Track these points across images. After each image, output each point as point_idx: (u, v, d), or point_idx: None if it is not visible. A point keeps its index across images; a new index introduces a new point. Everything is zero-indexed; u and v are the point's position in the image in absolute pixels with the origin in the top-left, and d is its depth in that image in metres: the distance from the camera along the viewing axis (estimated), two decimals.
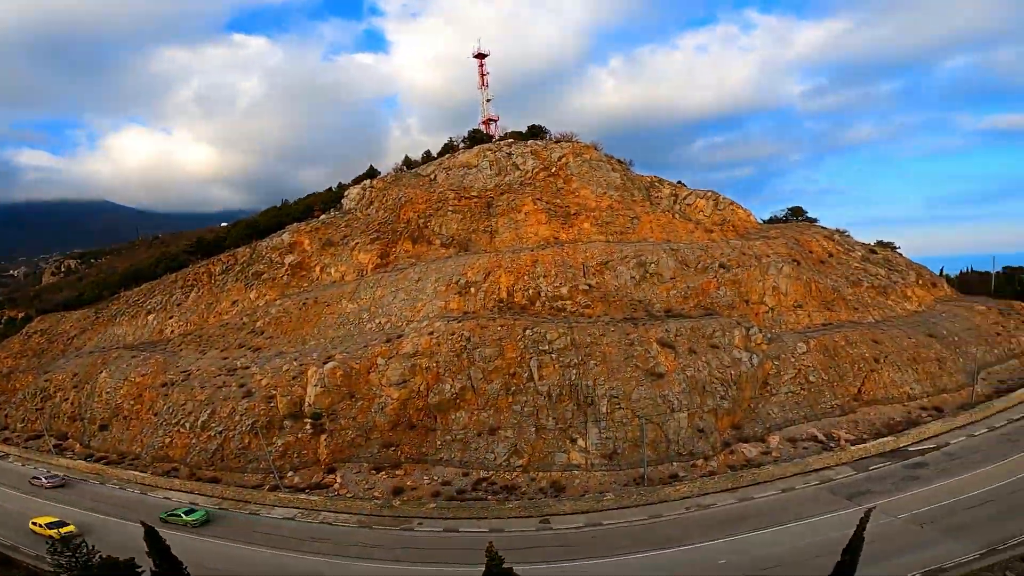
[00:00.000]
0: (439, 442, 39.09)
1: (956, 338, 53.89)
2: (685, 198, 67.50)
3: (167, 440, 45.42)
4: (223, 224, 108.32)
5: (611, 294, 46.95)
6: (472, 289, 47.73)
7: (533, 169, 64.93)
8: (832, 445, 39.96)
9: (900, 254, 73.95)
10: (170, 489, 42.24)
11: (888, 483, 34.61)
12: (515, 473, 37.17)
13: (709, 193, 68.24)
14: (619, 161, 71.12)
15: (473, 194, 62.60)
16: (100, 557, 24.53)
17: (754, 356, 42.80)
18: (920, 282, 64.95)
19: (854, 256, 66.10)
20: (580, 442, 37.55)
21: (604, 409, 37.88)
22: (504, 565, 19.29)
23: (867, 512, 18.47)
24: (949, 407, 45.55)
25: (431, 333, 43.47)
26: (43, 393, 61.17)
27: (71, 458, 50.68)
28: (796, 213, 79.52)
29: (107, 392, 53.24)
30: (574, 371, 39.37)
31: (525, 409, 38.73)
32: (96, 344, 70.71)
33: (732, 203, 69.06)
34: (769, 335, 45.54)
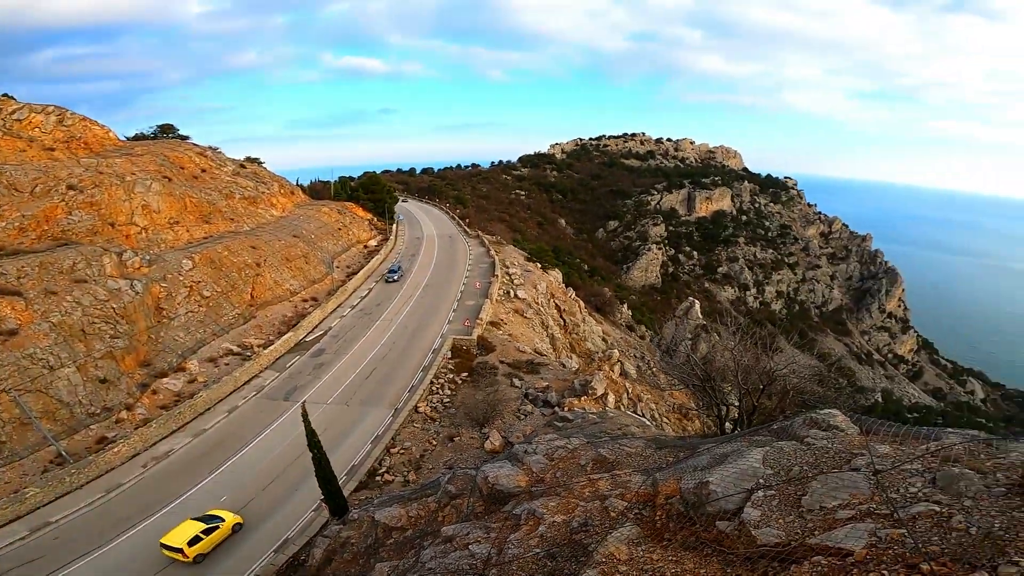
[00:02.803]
0: None
1: (313, 236, 73.60)
2: (13, 113, 55.72)
3: None
4: None
5: None
6: None
7: None
8: (249, 354, 44.66)
9: (265, 168, 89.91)
10: None
11: (305, 376, 41.70)
12: None
13: (51, 108, 59.16)
14: None
15: None
16: None
17: (136, 282, 42.17)
18: (282, 191, 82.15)
19: (226, 171, 74.33)
20: None
21: None
22: None
23: (303, 408, 23.54)
24: (321, 295, 60.87)
25: None
26: None
27: None
28: (167, 130, 79.85)
29: None
30: None
31: None
32: None
33: (85, 119, 62.50)
34: (148, 256, 45.67)
